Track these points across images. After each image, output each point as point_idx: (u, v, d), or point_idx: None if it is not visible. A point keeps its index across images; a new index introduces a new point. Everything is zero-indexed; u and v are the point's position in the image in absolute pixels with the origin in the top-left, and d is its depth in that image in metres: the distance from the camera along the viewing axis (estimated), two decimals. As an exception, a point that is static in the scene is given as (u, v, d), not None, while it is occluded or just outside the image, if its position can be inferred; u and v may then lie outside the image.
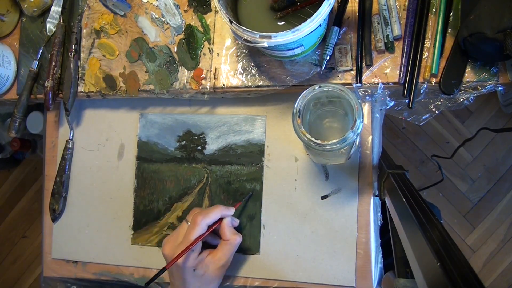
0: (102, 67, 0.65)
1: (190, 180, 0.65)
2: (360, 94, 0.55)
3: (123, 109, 0.70)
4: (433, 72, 0.51)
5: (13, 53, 0.70)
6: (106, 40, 0.65)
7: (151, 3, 0.63)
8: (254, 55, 0.58)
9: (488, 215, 1.42)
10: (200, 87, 0.60)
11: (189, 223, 0.55)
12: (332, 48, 0.54)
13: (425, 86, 0.52)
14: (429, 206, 0.40)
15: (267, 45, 0.45)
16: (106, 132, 0.70)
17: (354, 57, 0.54)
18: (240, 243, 0.57)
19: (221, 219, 0.56)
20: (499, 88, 0.51)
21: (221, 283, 0.61)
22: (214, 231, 0.57)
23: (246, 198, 0.62)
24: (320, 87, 0.43)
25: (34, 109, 1.13)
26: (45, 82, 0.64)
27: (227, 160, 0.64)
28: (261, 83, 0.57)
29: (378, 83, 0.54)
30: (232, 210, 0.57)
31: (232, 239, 0.56)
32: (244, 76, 0.58)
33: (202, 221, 0.53)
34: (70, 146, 0.71)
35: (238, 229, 0.61)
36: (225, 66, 0.59)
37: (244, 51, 0.58)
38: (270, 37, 0.44)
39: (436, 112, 0.54)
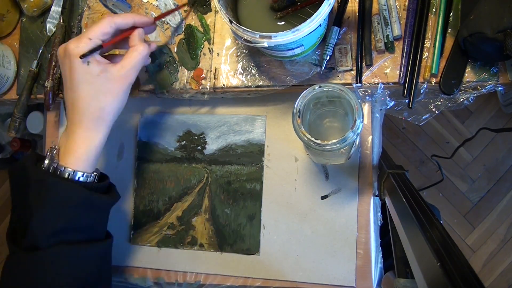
0: (102, 67, 0.65)
1: (190, 180, 0.65)
2: (360, 94, 0.55)
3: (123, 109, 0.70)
4: (433, 72, 0.51)
5: (13, 53, 0.70)
6: (106, 40, 0.65)
7: (151, 3, 0.63)
8: (254, 55, 0.58)
9: (488, 215, 1.42)
10: (200, 87, 0.60)
11: None
12: (332, 48, 0.54)
13: (425, 86, 0.52)
14: (429, 206, 0.40)
15: (267, 45, 0.45)
16: (106, 132, 0.70)
17: (354, 57, 0.54)
18: (240, 243, 0.57)
19: (135, 28, 0.52)
20: (499, 88, 0.51)
21: (221, 283, 0.61)
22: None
23: (167, 11, 0.58)
24: (320, 87, 0.43)
25: (34, 109, 1.13)
26: (45, 82, 0.64)
27: (227, 160, 0.64)
28: (261, 83, 0.57)
29: (378, 83, 0.54)
30: (147, 20, 0.53)
31: (137, 45, 0.51)
32: (244, 76, 0.58)
33: (109, 17, 0.49)
34: (70, 146, 0.71)
35: (237, 229, 0.61)
36: (225, 66, 0.59)
37: (244, 51, 0.58)
38: (270, 37, 0.44)
39: (436, 112, 0.54)
